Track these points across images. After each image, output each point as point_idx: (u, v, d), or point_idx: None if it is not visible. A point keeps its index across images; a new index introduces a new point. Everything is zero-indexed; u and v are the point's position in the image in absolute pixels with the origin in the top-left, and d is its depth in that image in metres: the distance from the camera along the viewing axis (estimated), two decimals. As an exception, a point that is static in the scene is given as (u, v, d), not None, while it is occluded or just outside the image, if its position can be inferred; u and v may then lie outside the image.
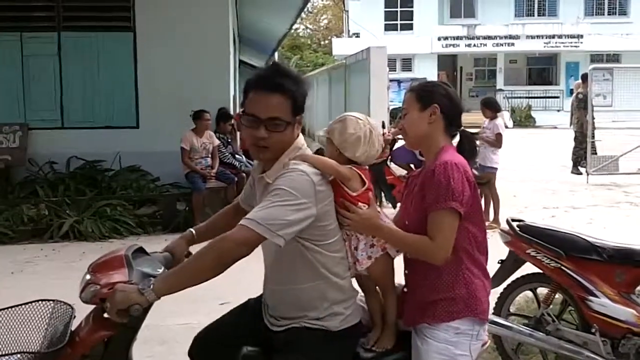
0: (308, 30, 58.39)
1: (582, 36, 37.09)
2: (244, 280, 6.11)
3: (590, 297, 4.00)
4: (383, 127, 10.25)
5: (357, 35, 38.65)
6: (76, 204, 9.33)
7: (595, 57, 35.87)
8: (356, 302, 2.81)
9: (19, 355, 2.52)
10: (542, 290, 4.46)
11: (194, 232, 3.07)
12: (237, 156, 10.93)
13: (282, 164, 2.66)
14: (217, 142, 10.19)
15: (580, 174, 14.77)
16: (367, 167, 2.85)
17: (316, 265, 2.67)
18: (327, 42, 51.84)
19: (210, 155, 10.07)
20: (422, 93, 2.92)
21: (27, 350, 2.59)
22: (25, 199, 9.51)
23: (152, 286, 2.45)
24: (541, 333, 4.21)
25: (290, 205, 2.49)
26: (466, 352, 2.76)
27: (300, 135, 2.78)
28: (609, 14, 39.57)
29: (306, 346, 2.68)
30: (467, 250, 2.80)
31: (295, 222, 2.51)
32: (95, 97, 10.80)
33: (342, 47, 36.02)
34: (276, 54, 29.86)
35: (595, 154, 14.69)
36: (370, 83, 11.95)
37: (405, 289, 2.92)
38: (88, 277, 2.66)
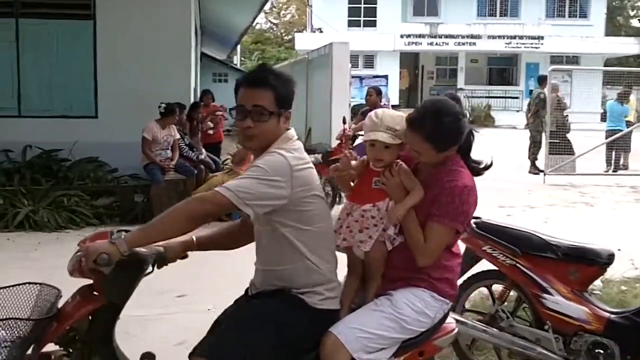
0: (270, 24, 58.23)
1: (542, 37, 37.54)
2: (202, 274, 6.11)
3: (544, 295, 4.05)
4: (344, 122, 10.27)
5: (321, 30, 38.59)
6: (32, 193, 9.16)
7: (556, 59, 36.41)
8: (339, 289, 2.93)
9: (10, 322, 2.64)
10: (497, 287, 4.50)
11: (194, 238, 3.08)
12: (195, 149, 10.82)
13: (271, 152, 2.79)
14: (177, 135, 10.14)
15: (538, 173, 14.96)
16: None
17: (296, 249, 2.78)
18: (290, 37, 51.73)
19: (170, 148, 10.00)
20: (438, 140, 2.84)
21: (18, 317, 2.70)
22: (-21, 188, 9.30)
23: (123, 236, 2.59)
24: (495, 329, 4.25)
25: (262, 180, 2.63)
26: (431, 314, 2.95)
27: (292, 129, 2.91)
28: (569, 16, 40.14)
29: (282, 302, 2.79)
30: (449, 247, 2.99)
31: (265, 196, 2.63)
32: (53, 86, 10.62)
33: (305, 42, 35.95)
34: (238, 47, 29.70)
35: (556, 154, 14.83)
36: (332, 78, 11.93)
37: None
38: (75, 252, 2.79)
